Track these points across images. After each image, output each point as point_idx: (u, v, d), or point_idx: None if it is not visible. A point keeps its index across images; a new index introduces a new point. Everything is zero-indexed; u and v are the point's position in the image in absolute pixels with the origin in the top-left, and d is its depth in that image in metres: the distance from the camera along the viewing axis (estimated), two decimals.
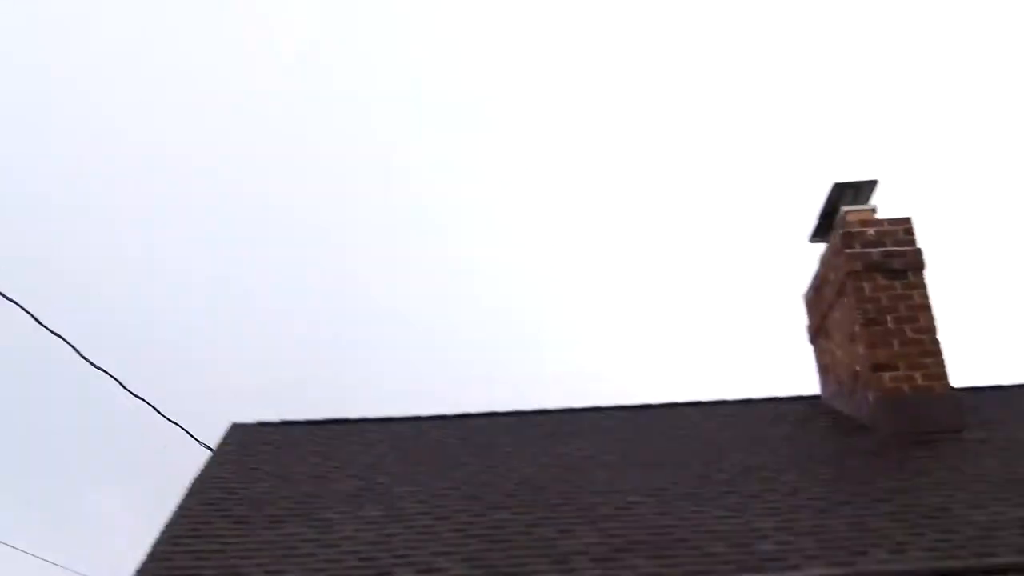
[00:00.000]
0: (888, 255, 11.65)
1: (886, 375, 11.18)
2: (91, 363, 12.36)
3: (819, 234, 12.44)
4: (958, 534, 8.71)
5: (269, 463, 11.57)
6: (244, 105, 39.76)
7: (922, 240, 11.73)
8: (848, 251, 11.68)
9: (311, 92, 40.82)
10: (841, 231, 11.81)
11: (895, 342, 11.31)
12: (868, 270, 11.60)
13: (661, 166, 43.68)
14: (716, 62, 44.77)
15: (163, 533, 9.47)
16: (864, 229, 11.75)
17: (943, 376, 11.17)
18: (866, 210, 11.86)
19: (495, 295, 39.05)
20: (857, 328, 11.51)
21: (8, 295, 11.70)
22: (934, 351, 11.27)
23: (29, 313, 11.82)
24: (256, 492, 10.94)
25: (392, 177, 40.23)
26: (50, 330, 12.07)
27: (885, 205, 11.94)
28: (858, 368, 11.55)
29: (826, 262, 12.34)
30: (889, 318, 11.41)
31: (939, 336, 11.35)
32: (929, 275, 11.63)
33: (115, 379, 12.52)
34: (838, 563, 8.31)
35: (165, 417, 12.96)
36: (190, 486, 11.04)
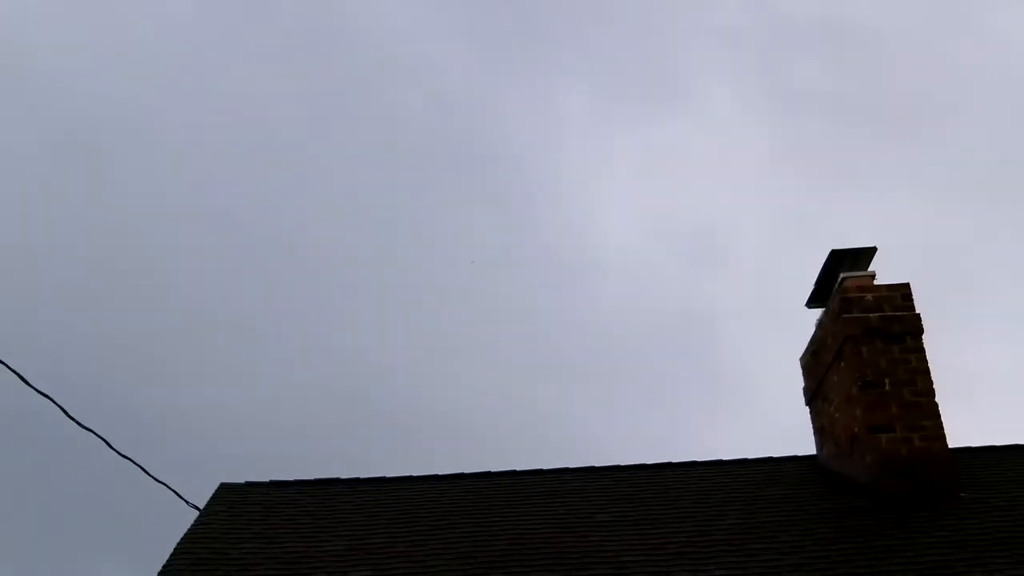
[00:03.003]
0: (886, 320, 11.58)
1: (884, 437, 11.07)
2: (78, 423, 12.17)
3: (817, 299, 12.41)
4: None
5: (258, 524, 11.40)
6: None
7: (920, 305, 11.68)
8: (846, 316, 11.62)
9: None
10: (839, 297, 11.77)
11: (893, 405, 11.21)
12: (866, 335, 11.54)
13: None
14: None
15: None
16: (862, 295, 11.71)
17: (941, 438, 11.06)
18: (864, 276, 11.82)
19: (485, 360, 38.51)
20: (855, 391, 11.41)
21: None
22: (932, 413, 11.17)
23: (17, 374, 11.67)
24: (243, 552, 10.79)
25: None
26: (38, 390, 11.91)
27: (883, 271, 11.90)
28: (856, 430, 11.44)
29: (824, 327, 12.28)
30: (887, 381, 11.32)
31: (937, 399, 11.27)
32: (927, 339, 11.56)
33: (102, 438, 12.31)
34: None
35: (153, 477, 12.74)
36: (177, 547, 10.89)
